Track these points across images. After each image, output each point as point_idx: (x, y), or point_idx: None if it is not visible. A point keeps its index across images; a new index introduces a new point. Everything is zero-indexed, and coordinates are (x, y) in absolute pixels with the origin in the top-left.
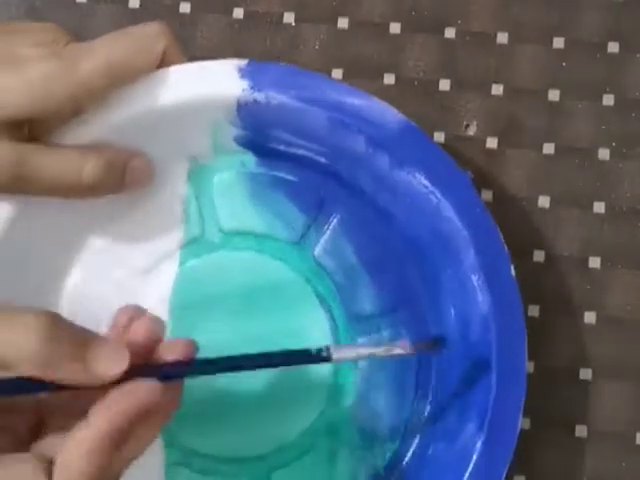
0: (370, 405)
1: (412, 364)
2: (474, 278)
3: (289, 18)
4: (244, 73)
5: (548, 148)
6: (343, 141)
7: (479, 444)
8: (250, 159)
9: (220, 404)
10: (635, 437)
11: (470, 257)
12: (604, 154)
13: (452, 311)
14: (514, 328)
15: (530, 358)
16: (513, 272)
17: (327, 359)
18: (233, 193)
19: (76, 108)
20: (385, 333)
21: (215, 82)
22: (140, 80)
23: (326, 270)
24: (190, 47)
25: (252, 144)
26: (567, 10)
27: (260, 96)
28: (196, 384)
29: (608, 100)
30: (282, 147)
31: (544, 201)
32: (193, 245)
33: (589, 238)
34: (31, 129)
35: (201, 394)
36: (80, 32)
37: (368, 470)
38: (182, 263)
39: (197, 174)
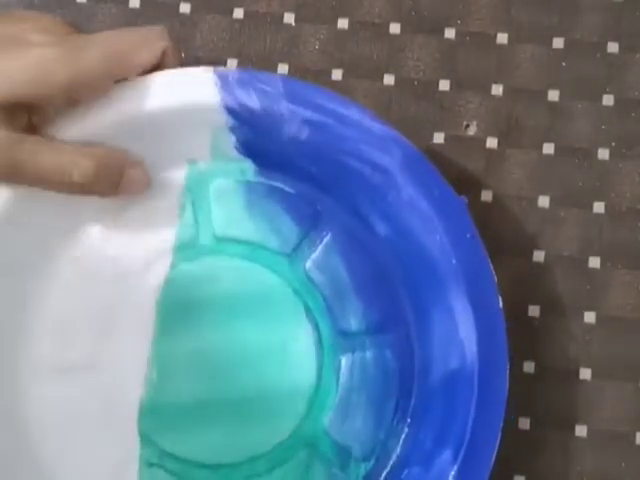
0: (348, 423)
1: (393, 386)
2: (460, 306)
3: (289, 18)
4: (243, 82)
5: (548, 148)
6: (341, 159)
7: (453, 473)
8: (249, 168)
9: (199, 409)
10: (635, 437)
11: (457, 284)
12: (604, 154)
13: (437, 337)
14: (497, 360)
15: (530, 358)
16: (500, 303)
17: None
18: (229, 200)
19: (73, 97)
20: (369, 352)
21: (214, 89)
22: (141, 81)
23: (316, 284)
24: (190, 47)
25: (252, 153)
26: (567, 10)
27: (257, 105)
28: (176, 387)
29: (608, 100)
30: (281, 159)
31: (544, 201)
32: (186, 249)
33: (589, 238)
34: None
35: (180, 397)
36: (80, 32)
37: None
38: (174, 266)
39: (195, 178)
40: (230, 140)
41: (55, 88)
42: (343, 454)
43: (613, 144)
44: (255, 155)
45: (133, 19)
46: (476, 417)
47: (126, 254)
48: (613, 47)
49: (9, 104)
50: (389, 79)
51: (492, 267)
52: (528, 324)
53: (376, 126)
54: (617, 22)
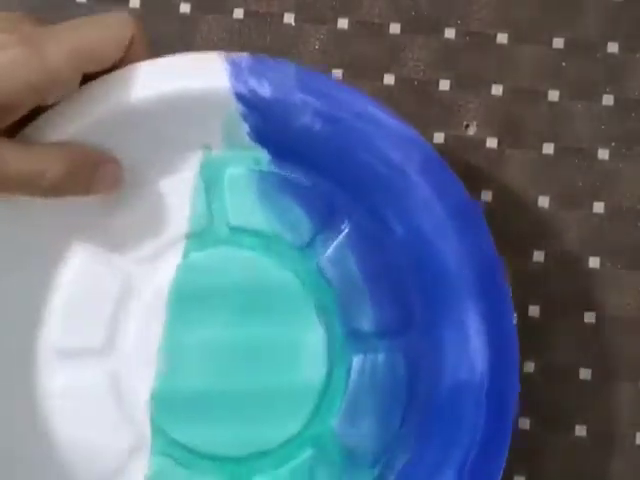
0: (355, 426)
1: (402, 394)
2: (472, 317)
3: (289, 18)
4: (255, 69)
5: (548, 148)
6: (356, 154)
7: None
8: (264, 157)
9: (208, 400)
10: (635, 437)
11: (470, 296)
12: (604, 154)
13: (448, 346)
14: (508, 378)
15: (530, 358)
16: (514, 318)
17: None
18: (244, 189)
19: (42, 97)
20: (381, 356)
21: (224, 75)
22: (150, 64)
23: (328, 281)
24: (190, 47)
25: (266, 141)
26: (567, 10)
27: (268, 94)
28: (186, 378)
29: (608, 100)
30: (295, 149)
31: (544, 201)
32: (198, 237)
33: (589, 238)
34: None
35: (190, 388)
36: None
37: None
38: (186, 255)
39: (210, 166)
40: (243, 127)
41: (21, 91)
42: (349, 458)
43: (613, 144)
44: (269, 144)
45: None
46: (482, 437)
47: (138, 241)
48: (613, 47)
49: None
50: (389, 79)
51: (507, 280)
52: (528, 324)
53: (393, 123)
54: (617, 22)
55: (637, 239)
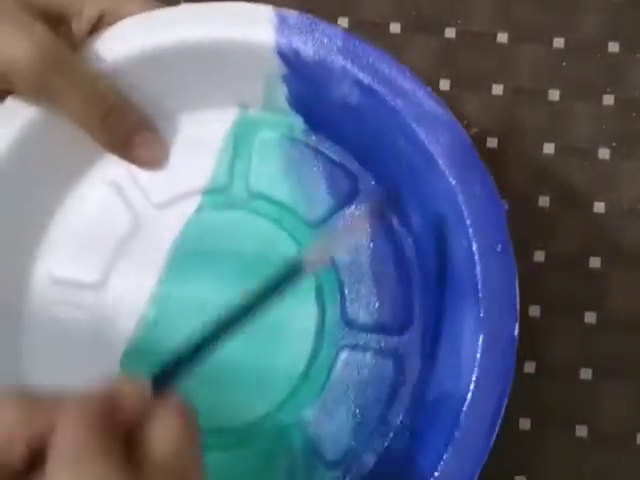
0: (326, 422)
1: (383, 396)
2: (470, 324)
3: None
4: (302, 27)
5: (548, 148)
6: (387, 132)
7: None
8: (299, 124)
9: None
10: (635, 437)
11: (473, 300)
12: (604, 154)
13: (441, 353)
14: (492, 396)
15: (530, 358)
16: (517, 330)
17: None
18: (271, 154)
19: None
20: (369, 354)
21: (270, 29)
22: (198, 7)
23: (335, 266)
24: None
25: (302, 109)
26: (567, 10)
27: (310, 56)
28: (169, 334)
29: (608, 100)
30: (330, 121)
31: (544, 201)
32: (215, 195)
33: (589, 238)
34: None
35: (171, 345)
36: None
37: None
38: (200, 209)
39: (243, 125)
40: (282, 90)
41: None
42: (313, 454)
43: (613, 144)
44: (306, 112)
45: None
46: (456, 449)
47: (158, 184)
48: (613, 47)
49: (44, 12)
50: None
51: (517, 287)
52: (528, 324)
53: (427, 103)
54: (617, 22)
55: (637, 239)
